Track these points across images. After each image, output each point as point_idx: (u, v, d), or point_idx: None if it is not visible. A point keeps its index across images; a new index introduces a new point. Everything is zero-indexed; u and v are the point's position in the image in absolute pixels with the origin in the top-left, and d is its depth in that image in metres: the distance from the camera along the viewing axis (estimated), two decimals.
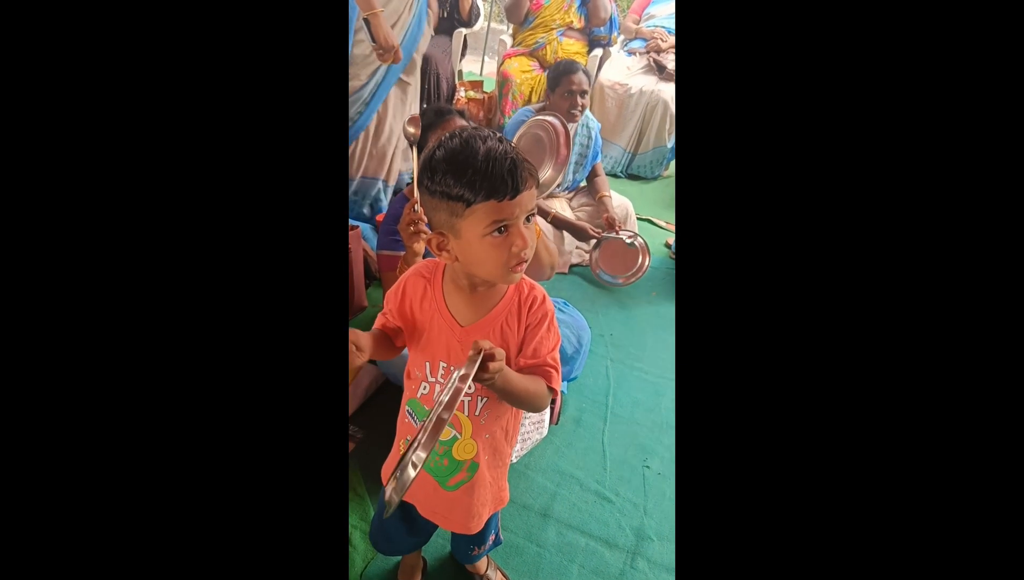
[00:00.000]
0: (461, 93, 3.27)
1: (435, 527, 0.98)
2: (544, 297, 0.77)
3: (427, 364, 0.78)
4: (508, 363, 0.71)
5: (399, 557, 1.13)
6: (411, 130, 1.20)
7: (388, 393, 1.52)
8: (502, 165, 0.64)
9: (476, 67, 4.47)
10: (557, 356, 0.77)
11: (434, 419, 0.59)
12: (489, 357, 0.63)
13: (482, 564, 1.13)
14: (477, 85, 3.42)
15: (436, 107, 1.43)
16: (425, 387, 0.79)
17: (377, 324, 0.81)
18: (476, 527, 0.88)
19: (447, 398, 0.60)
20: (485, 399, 0.78)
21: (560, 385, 0.76)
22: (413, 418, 0.83)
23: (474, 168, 0.64)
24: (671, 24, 3.32)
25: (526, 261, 0.69)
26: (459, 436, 0.80)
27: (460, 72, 3.53)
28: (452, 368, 0.75)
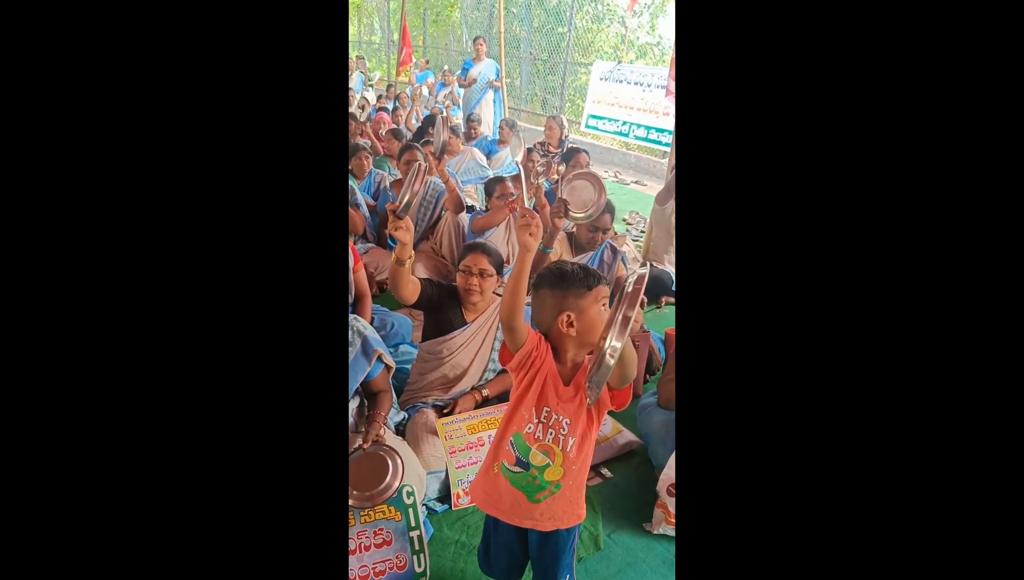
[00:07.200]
0: None
1: (527, 558, 1.16)
2: None
3: (533, 409, 1.01)
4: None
5: None
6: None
7: (639, 455, 1.81)
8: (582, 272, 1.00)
9: None
10: None
11: (619, 319, 0.83)
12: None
13: None
14: None
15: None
16: (529, 427, 1.02)
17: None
18: (549, 527, 1.06)
19: (629, 294, 0.83)
20: (573, 439, 1.01)
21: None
22: (513, 447, 1.04)
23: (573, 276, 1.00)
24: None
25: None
26: (551, 464, 1.01)
27: None
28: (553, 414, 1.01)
